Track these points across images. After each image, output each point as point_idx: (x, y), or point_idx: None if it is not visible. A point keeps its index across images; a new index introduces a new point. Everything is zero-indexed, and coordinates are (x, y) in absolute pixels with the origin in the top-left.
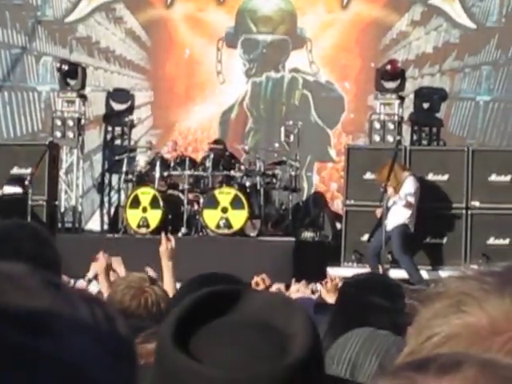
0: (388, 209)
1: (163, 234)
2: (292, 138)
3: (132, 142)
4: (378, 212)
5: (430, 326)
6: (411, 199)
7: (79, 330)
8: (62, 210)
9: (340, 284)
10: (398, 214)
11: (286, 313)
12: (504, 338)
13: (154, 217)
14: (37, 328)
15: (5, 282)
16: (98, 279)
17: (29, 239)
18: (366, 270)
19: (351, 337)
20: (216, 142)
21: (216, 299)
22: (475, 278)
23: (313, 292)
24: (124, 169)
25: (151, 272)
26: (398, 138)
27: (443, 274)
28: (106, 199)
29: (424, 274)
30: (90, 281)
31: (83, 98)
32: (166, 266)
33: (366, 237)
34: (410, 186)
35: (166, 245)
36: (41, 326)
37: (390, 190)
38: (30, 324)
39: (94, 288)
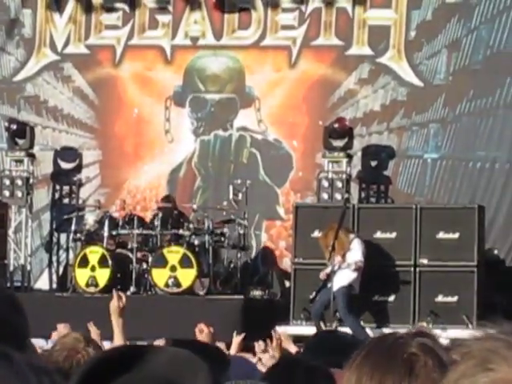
0: (334, 271)
1: (115, 291)
2: (240, 196)
3: (80, 201)
4: (322, 275)
5: None
6: (360, 263)
7: None
8: (11, 268)
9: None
10: (344, 276)
11: (189, 369)
12: None
13: (103, 276)
14: None
15: None
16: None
17: (2, 303)
18: (314, 328)
19: None
20: (165, 198)
21: (120, 357)
22: (498, 336)
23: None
24: (72, 228)
25: (93, 328)
26: (346, 195)
27: (388, 331)
28: (54, 258)
29: (369, 332)
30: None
31: (31, 157)
32: (117, 323)
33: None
34: (357, 249)
35: (118, 302)
36: None
37: (338, 259)
38: None
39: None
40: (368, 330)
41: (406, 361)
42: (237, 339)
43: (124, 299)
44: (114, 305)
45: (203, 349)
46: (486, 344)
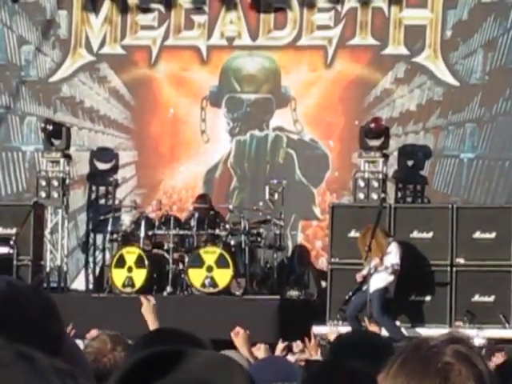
0: (371, 273)
1: (142, 296)
2: (276, 196)
3: (116, 202)
4: (359, 277)
5: None
6: (397, 267)
7: None
8: (48, 269)
9: (321, 342)
10: (381, 279)
11: (225, 371)
12: None
13: (139, 276)
14: None
15: None
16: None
17: (38, 306)
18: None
19: None
20: (201, 197)
21: (157, 360)
22: None
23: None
24: (109, 228)
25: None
26: (383, 195)
27: (424, 331)
28: (90, 259)
29: (405, 332)
30: None
31: (68, 157)
32: (153, 325)
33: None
34: (394, 253)
35: (149, 303)
36: None
37: (376, 261)
38: None
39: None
40: (403, 330)
41: (440, 370)
42: (280, 346)
43: (153, 300)
44: (146, 308)
45: (189, 339)
46: None
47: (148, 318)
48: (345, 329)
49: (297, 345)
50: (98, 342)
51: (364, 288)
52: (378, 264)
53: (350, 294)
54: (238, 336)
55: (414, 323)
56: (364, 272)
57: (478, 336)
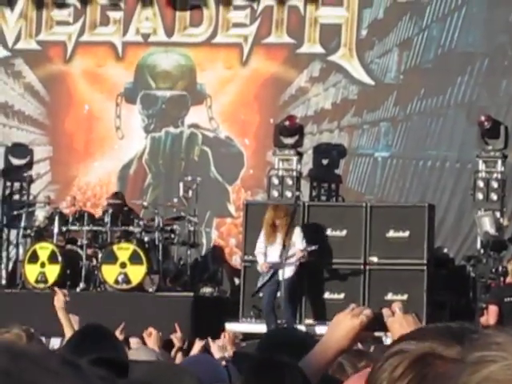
0: (280, 263)
1: (57, 289)
2: (191, 193)
3: (31, 197)
4: (265, 266)
5: None
6: (305, 252)
7: None
8: None
9: (235, 339)
10: (290, 268)
11: (173, 376)
12: None
13: (53, 272)
14: None
15: (30, 363)
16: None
17: None
18: (264, 325)
19: None
20: (115, 195)
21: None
22: None
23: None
24: (22, 224)
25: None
26: (297, 193)
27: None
28: (4, 254)
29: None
30: None
31: None
32: (65, 318)
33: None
34: (300, 239)
35: (64, 299)
36: None
37: (294, 250)
38: None
39: None
40: (323, 327)
41: None
42: (199, 343)
43: (67, 295)
44: (60, 300)
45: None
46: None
47: (59, 311)
48: (258, 326)
49: (217, 345)
50: (12, 336)
51: (272, 279)
52: (298, 253)
53: (259, 285)
54: (151, 336)
55: (328, 321)
56: (271, 262)
57: (387, 336)
